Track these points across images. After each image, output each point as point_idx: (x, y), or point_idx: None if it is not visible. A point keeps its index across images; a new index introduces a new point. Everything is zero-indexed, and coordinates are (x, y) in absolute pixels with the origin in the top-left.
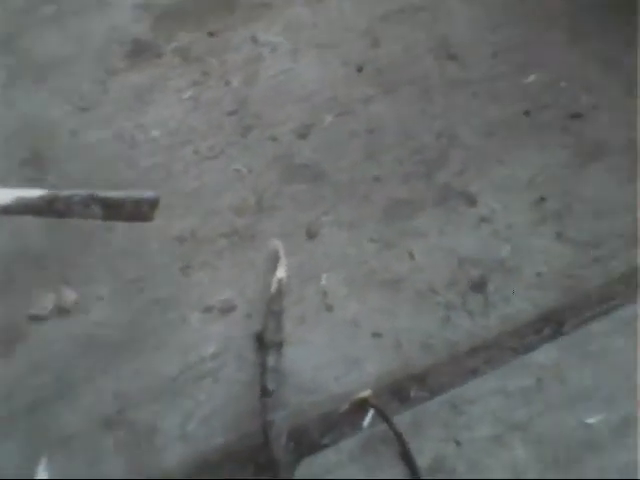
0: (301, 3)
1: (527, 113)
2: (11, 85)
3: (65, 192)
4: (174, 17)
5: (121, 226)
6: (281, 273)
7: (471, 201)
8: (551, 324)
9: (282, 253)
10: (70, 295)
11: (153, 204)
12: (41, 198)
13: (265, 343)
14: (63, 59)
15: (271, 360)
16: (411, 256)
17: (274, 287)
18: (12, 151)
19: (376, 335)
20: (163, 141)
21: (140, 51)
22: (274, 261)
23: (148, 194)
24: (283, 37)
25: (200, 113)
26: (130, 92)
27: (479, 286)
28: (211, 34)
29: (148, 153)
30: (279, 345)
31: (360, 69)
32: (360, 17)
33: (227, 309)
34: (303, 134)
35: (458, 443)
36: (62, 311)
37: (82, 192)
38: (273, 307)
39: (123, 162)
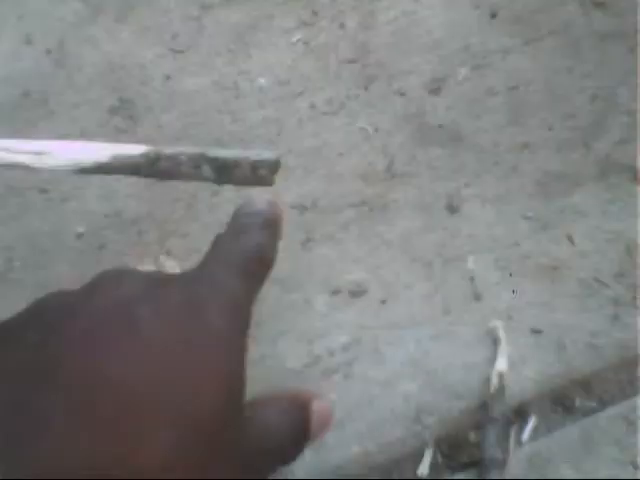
0: None
1: None
2: (92, 21)
3: (170, 149)
4: None
5: (229, 189)
6: (502, 365)
7: (636, 177)
8: None
9: (503, 336)
10: (172, 267)
11: (274, 167)
12: (144, 156)
13: (484, 464)
14: None
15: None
16: (570, 239)
17: (494, 384)
18: (98, 98)
19: (535, 332)
20: (272, 91)
21: None
22: (493, 345)
23: (268, 154)
24: None
25: (313, 59)
26: (229, 32)
27: None
28: None
29: (255, 104)
30: (501, 465)
31: (494, 14)
32: None
33: (358, 292)
34: (435, 89)
35: (637, 467)
36: None
37: (190, 150)
38: (493, 413)
39: (227, 114)
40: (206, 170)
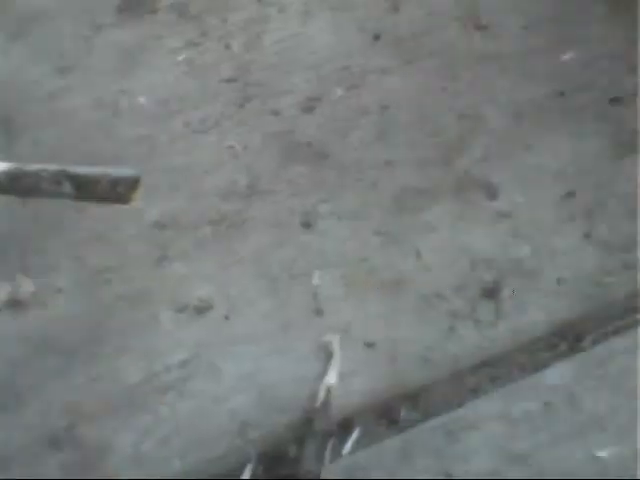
0: None
1: (561, 94)
2: None
3: (33, 166)
4: None
5: (94, 207)
6: (331, 379)
7: (491, 193)
8: (568, 339)
9: (337, 350)
10: (27, 286)
11: (133, 184)
12: (5, 173)
13: (300, 477)
14: (43, 11)
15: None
16: (418, 254)
17: (320, 398)
18: None
19: (369, 345)
20: (150, 109)
21: (131, 6)
22: (328, 359)
23: (127, 172)
24: None
25: (194, 79)
26: (117, 52)
27: (491, 291)
28: None
29: (132, 123)
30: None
31: (377, 37)
32: None
33: (203, 308)
34: (309, 108)
35: (449, 476)
36: (16, 304)
37: (52, 167)
38: (315, 427)
39: (103, 131)
40: (67, 187)
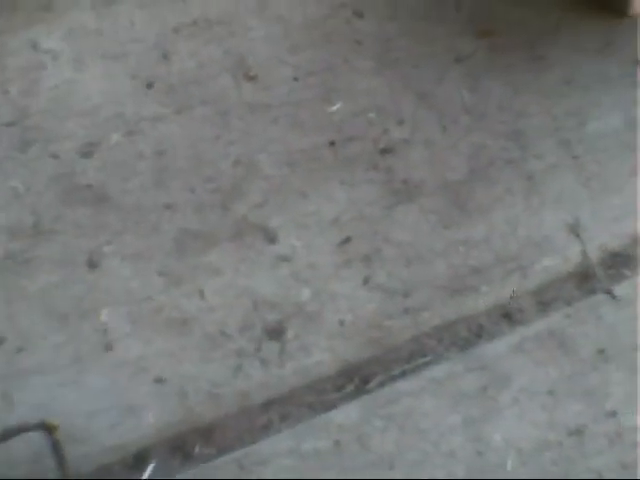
0: (86, 7)
1: (332, 144)
2: None
3: None
4: None
5: None
6: None
7: (270, 238)
8: (354, 380)
9: None
10: None
11: None
12: None
13: None
14: None
15: None
16: (201, 294)
17: None
18: None
19: (159, 381)
20: None
21: None
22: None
23: None
24: (66, 44)
25: None
26: None
27: (276, 332)
28: None
29: None
30: None
31: (150, 85)
32: (150, 28)
33: None
34: (87, 152)
35: None
36: None
37: None
38: None
39: None
40: None
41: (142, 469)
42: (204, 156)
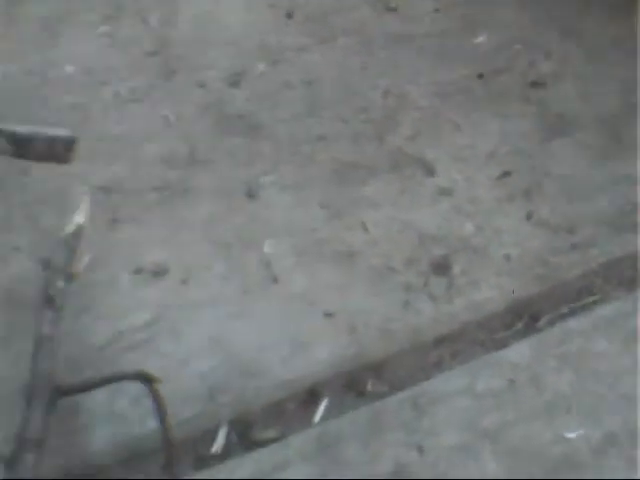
0: None
1: (480, 76)
2: None
3: None
4: None
5: (37, 169)
6: (81, 218)
7: (428, 170)
8: (524, 318)
9: (87, 202)
10: None
11: (69, 144)
12: None
13: (51, 268)
14: None
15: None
16: (364, 227)
17: (70, 227)
18: None
19: (328, 315)
20: (79, 79)
21: None
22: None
23: (63, 132)
24: None
25: (117, 51)
26: (37, 24)
27: (442, 267)
28: None
29: (63, 91)
30: (68, 276)
31: (290, 15)
32: None
33: (160, 272)
34: (234, 82)
35: (421, 450)
36: None
37: None
38: (67, 242)
39: (35, 99)
40: (2, 143)
41: (315, 405)
42: (353, 86)
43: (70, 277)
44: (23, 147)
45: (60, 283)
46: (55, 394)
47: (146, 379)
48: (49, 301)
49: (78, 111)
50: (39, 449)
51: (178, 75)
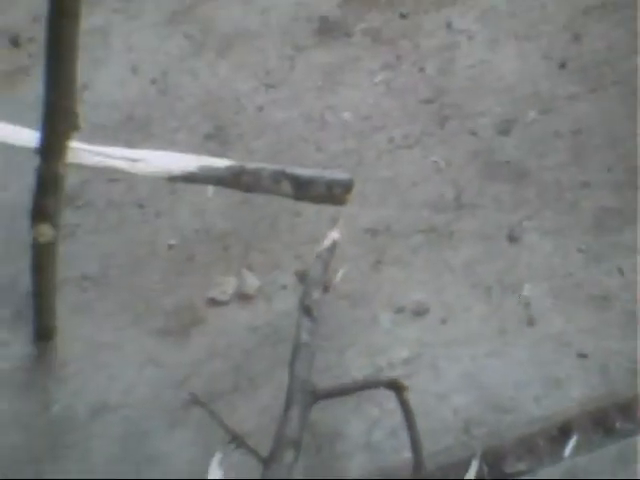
0: None
1: None
2: (195, 55)
3: (253, 165)
4: None
5: (309, 211)
6: (336, 234)
7: None
8: None
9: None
10: (253, 282)
11: (347, 187)
12: (228, 169)
13: (308, 280)
14: (247, 31)
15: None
16: (620, 271)
17: (327, 242)
18: (196, 124)
19: (581, 356)
20: (355, 125)
21: (328, 29)
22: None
23: (342, 175)
24: (480, 25)
25: (393, 98)
26: (318, 71)
27: None
28: (403, 16)
29: (338, 136)
30: (324, 287)
31: (563, 65)
32: (560, 10)
33: (420, 311)
34: (504, 130)
35: None
36: (243, 297)
37: (272, 166)
38: (322, 256)
39: (312, 144)
40: (285, 186)
41: (564, 442)
42: (618, 134)
43: (325, 289)
44: (304, 189)
45: (316, 294)
46: (312, 398)
47: (397, 387)
48: (306, 311)
49: (352, 156)
50: (296, 450)
51: (451, 122)
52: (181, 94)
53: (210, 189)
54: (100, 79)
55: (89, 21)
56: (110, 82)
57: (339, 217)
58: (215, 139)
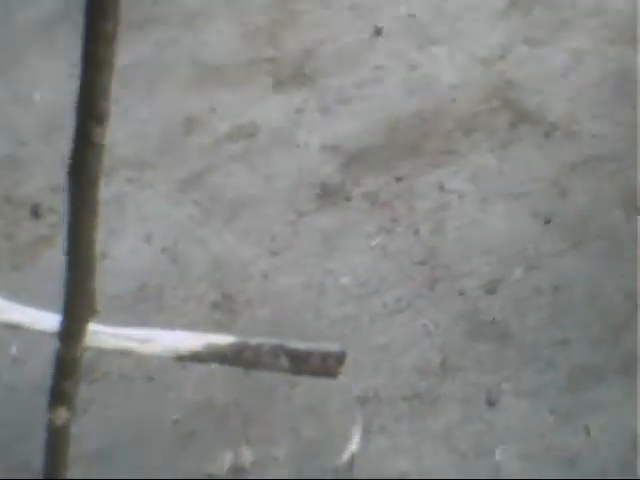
0: (487, 149)
1: None
2: (204, 223)
3: (254, 341)
4: (362, 160)
5: (305, 382)
6: (354, 446)
7: None
8: None
9: (359, 425)
10: (248, 456)
11: (340, 359)
12: (231, 346)
13: None
14: (253, 198)
15: None
16: (587, 431)
17: (345, 459)
18: (203, 293)
19: None
20: (352, 290)
21: (328, 194)
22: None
23: (335, 348)
24: (470, 185)
25: (388, 261)
26: (319, 236)
27: None
28: (398, 179)
29: (337, 302)
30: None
31: (548, 221)
32: (548, 166)
33: None
34: (491, 289)
35: None
36: (238, 471)
37: (271, 342)
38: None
39: (312, 311)
40: (283, 361)
41: None
42: (598, 290)
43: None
44: (300, 363)
45: None
46: None
47: None
48: None
49: (349, 322)
50: None
51: (441, 283)
52: (190, 262)
53: None
54: (116, 249)
55: (105, 191)
56: (125, 251)
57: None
58: (221, 308)
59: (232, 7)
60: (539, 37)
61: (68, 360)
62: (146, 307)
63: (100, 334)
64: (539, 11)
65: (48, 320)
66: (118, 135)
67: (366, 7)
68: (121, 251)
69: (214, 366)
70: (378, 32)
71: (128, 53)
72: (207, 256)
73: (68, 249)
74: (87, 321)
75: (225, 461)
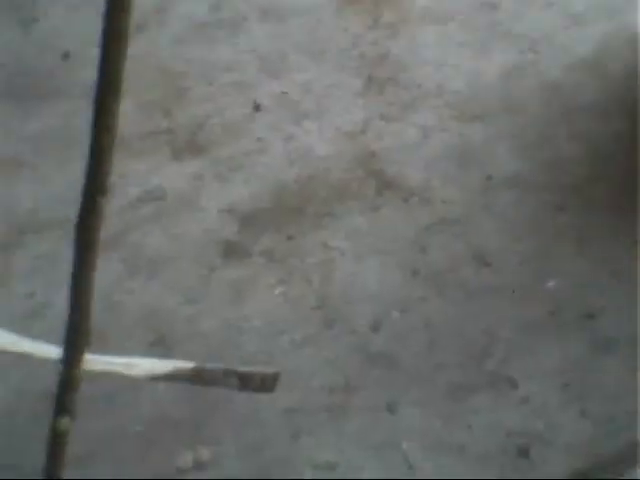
0: (358, 212)
1: (552, 313)
2: (129, 277)
3: (210, 365)
4: (256, 222)
5: (240, 397)
6: None
7: (513, 384)
8: None
9: None
10: (205, 454)
11: (275, 378)
12: (193, 369)
13: None
14: (168, 255)
15: None
16: (469, 427)
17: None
18: (140, 334)
19: None
20: (264, 330)
21: (232, 251)
22: None
23: (272, 370)
24: (348, 243)
25: (291, 307)
26: (229, 287)
27: (524, 452)
28: (289, 237)
29: (252, 340)
30: None
31: (415, 273)
32: (408, 227)
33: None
34: (376, 327)
35: None
36: (200, 465)
37: (222, 366)
38: None
39: (233, 347)
40: (234, 380)
41: None
42: (459, 327)
43: None
44: (246, 382)
45: None
46: None
47: None
48: None
49: (264, 355)
50: None
51: (335, 324)
52: (125, 310)
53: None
54: (58, 299)
55: (39, 248)
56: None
57: None
58: (158, 345)
59: (125, 82)
60: (393, 114)
61: (69, 380)
62: (99, 345)
63: (93, 360)
64: (391, 91)
65: (50, 350)
66: (42, 199)
67: (245, 84)
68: (63, 301)
69: (164, 386)
70: (257, 108)
71: (38, 123)
72: (137, 305)
73: (72, 295)
74: (84, 350)
75: (188, 458)
